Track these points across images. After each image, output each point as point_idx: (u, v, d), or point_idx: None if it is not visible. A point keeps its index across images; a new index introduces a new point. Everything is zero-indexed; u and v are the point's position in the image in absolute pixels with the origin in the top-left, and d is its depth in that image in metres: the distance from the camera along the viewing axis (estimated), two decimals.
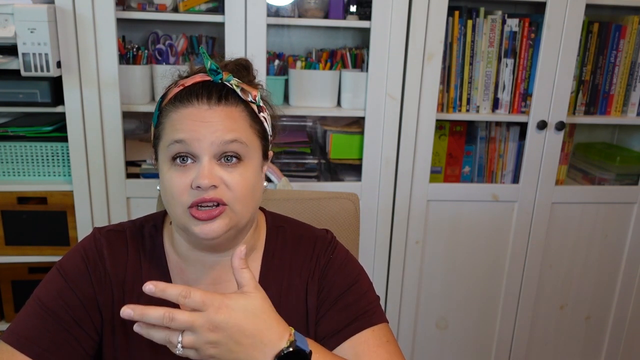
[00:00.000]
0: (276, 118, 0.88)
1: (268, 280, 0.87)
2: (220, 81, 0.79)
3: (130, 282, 0.83)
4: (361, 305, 0.84)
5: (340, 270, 0.87)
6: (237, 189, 0.76)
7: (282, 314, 0.84)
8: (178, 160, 0.76)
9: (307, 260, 0.88)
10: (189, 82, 0.79)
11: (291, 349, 0.66)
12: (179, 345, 0.63)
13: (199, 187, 0.74)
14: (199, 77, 0.80)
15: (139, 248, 0.85)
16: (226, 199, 0.76)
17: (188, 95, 0.77)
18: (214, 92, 0.77)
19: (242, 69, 0.85)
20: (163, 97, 0.82)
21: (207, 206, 0.75)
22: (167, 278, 0.84)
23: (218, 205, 0.75)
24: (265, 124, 0.84)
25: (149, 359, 0.81)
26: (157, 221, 0.88)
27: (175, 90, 0.79)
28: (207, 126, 0.75)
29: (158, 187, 0.85)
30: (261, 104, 0.83)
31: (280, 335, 0.67)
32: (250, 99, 0.80)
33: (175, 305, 0.84)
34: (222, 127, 0.75)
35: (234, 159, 0.76)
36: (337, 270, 0.87)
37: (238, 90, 0.79)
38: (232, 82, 0.79)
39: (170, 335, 0.63)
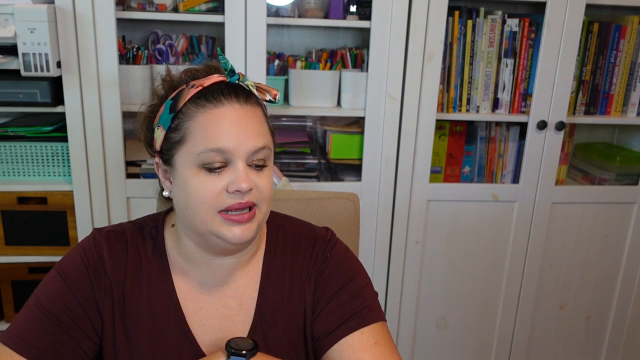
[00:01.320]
0: (270, 119, 0.89)
1: (270, 279, 0.87)
2: (236, 82, 0.79)
3: (131, 283, 0.83)
4: (355, 304, 0.84)
5: (337, 269, 0.87)
6: (265, 191, 0.78)
7: (283, 313, 0.85)
8: (208, 165, 0.75)
9: (307, 259, 0.88)
10: (207, 82, 0.77)
11: None
12: None
13: (238, 191, 0.74)
14: (216, 77, 0.78)
15: (139, 249, 0.85)
16: (257, 201, 0.77)
17: (216, 94, 0.76)
18: (239, 90, 0.78)
19: None
20: (174, 98, 0.78)
21: (240, 210, 0.76)
22: (168, 278, 0.84)
23: (250, 208, 0.77)
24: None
25: (148, 356, 0.81)
26: (158, 222, 0.88)
27: (193, 90, 0.77)
28: (241, 131, 0.75)
29: (165, 193, 0.84)
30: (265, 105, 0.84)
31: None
32: (269, 98, 0.81)
33: (172, 308, 0.84)
34: (254, 132, 0.76)
35: (262, 162, 0.78)
36: (334, 268, 0.87)
37: (254, 90, 0.79)
38: (247, 82, 0.79)
39: None
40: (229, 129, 0.75)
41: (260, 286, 0.86)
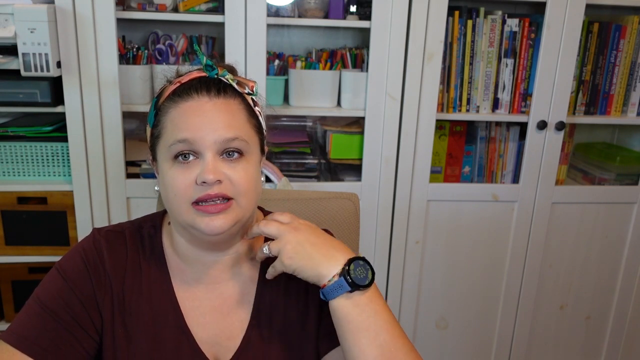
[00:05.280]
0: (269, 118, 0.89)
1: (267, 279, 0.86)
2: (215, 76, 0.80)
3: (130, 282, 0.83)
4: None
5: None
6: (241, 184, 0.77)
7: (281, 311, 0.85)
8: (180, 158, 0.76)
9: None
10: (185, 78, 0.80)
11: (363, 260, 0.75)
12: (265, 247, 0.77)
13: (204, 182, 0.74)
14: (195, 74, 0.81)
15: (138, 248, 0.85)
16: (231, 193, 0.77)
17: (187, 89, 0.78)
18: (212, 85, 0.79)
19: (229, 71, 0.85)
20: (158, 96, 0.82)
21: (212, 201, 0.76)
22: (166, 277, 0.85)
23: (224, 200, 0.77)
24: (260, 117, 0.85)
25: (147, 355, 0.81)
26: (156, 221, 0.89)
27: (172, 87, 0.80)
28: (208, 121, 0.76)
29: (156, 188, 0.85)
30: (256, 97, 0.84)
31: (347, 250, 0.77)
32: (247, 90, 0.82)
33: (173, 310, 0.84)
34: (223, 124, 0.76)
35: (236, 154, 0.78)
36: None
37: (234, 84, 0.80)
38: (227, 76, 0.81)
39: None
40: (193, 120, 0.76)
41: (258, 284, 0.87)
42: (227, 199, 0.77)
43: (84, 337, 0.80)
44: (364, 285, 0.73)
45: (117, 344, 0.81)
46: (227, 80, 0.80)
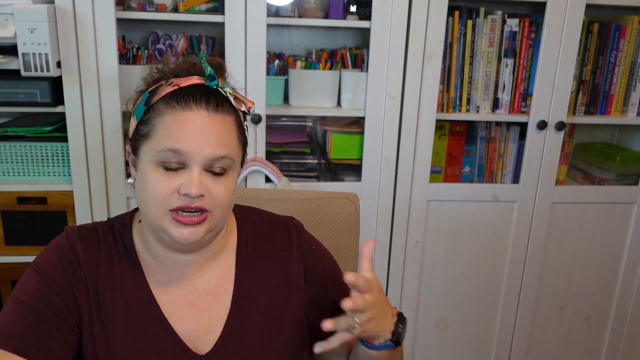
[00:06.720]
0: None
1: (245, 269, 0.89)
2: (215, 87, 0.80)
3: (104, 277, 0.84)
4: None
5: (322, 259, 0.95)
6: (221, 199, 0.79)
7: (262, 300, 0.88)
8: (166, 165, 0.77)
9: (287, 247, 0.92)
10: (184, 83, 0.79)
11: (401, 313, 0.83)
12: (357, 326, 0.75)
13: (186, 194, 0.76)
14: (195, 80, 0.80)
15: (110, 244, 0.87)
16: (209, 206, 0.78)
17: (186, 98, 0.77)
18: (212, 97, 0.78)
19: (217, 67, 0.84)
20: (152, 92, 0.81)
21: (190, 212, 0.77)
22: (140, 273, 0.85)
23: (201, 212, 0.78)
24: (246, 132, 0.86)
25: (127, 348, 0.82)
26: (126, 220, 0.89)
27: (169, 89, 0.79)
28: (203, 137, 0.76)
29: (129, 180, 0.86)
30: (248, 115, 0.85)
31: (391, 310, 0.83)
32: (243, 108, 0.82)
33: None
34: (215, 141, 0.77)
35: (221, 170, 0.79)
36: (320, 258, 0.94)
37: (231, 99, 0.80)
38: (226, 89, 0.81)
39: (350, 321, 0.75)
40: (189, 133, 0.76)
41: (236, 277, 0.88)
42: (204, 211, 0.78)
43: (65, 329, 0.80)
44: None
45: (95, 337, 0.82)
46: (226, 93, 0.80)
